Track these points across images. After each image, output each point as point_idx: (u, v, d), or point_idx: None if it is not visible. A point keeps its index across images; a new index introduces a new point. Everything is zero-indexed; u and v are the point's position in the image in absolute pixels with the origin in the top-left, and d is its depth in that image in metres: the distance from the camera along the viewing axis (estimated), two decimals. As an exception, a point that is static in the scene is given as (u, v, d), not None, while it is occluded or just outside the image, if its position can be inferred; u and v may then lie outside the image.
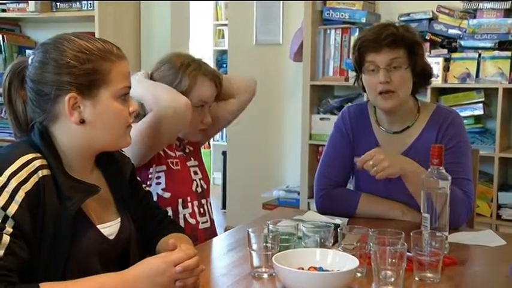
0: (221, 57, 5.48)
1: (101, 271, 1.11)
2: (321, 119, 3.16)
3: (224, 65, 5.12)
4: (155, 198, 1.58)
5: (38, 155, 1.09)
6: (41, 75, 1.11)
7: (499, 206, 2.75)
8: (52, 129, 1.14)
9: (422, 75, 1.71)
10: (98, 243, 1.15)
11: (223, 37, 5.51)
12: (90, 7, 3.00)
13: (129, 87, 1.19)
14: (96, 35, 2.98)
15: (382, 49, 1.63)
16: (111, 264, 1.16)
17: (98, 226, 1.16)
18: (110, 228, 1.19)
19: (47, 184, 1.07)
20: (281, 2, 3.57)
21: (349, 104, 2.61)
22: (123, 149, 1.31)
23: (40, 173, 1.07)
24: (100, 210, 1.19)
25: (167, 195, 1.64)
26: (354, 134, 1.80)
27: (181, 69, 1.65)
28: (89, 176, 1.19)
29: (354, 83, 1.81)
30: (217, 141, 5.57)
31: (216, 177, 5.47)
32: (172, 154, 1.69)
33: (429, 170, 1.39)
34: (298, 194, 3.28)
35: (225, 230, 2.66)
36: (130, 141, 1.22)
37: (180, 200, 1.66)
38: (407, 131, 1.74)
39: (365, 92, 1.77)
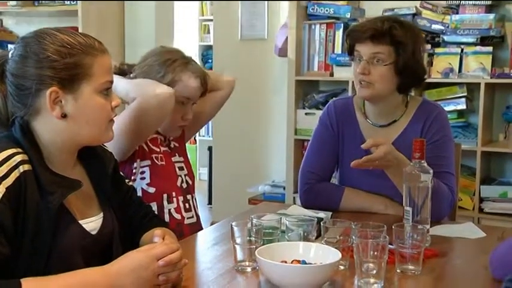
0: (207, 52, 5.47)
1: (83, 266, 1.10)
2: (306, 114, 3.17)
3: (210, 61, 5.11)
4: (140, 193, 1.58)
5: (19, 150, 1.09)
6: (22, 69, 1.10)
7: (481, 200, 2.78)
8: (33, 124, 1.14)
9: (407, 74, 1.68)
10: (81, 238, 1.15)
11: (208, 32, 5.49)
12: (73, 1, 2.97)
13: (111, 82, 1.18)
14: (80, 30, 2.96)
15: (365, 41, 1.66)
16: (93, 259, 1.15)
17: (81, 221, 1.16)
18: (92, 223, 1.19)
19: (28, 179, 1.06)
20: (266, -3, 3.57)
21: (335, 98, 2.63)
22: (105, 144, 1.31)
23: (21, 168, 1.06)
24: (82, 205, 1.19)
25: (152, 190, 1.64)
26: (339, 128, 1.81)
27: (166, 63, 1.65)
28: (71, 171, 1.19)
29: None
30: (203, 136, 5.56)
31: (202, 172, 5.46)
32: (157, 149, 1.69)
33: (411, 163, 1.41)
34: (284, 188, 3.30)
35: (211, 225, 2.67)
36: (113, 136, 1.21)
37: (165, 195, 1.66)
38: (394, 124, 1.76)
39: None
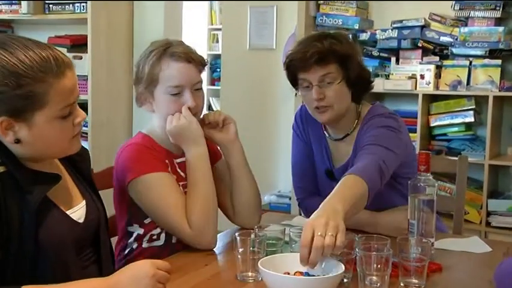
0: (215, 61, 5.48)
1: (76, 259, 1.11)
2: (313, 124, 3.16)
3: (218, 70, 5.12)
4: None
5: None
6: None
7: (489, 213, 2.77)
8: None
9: (359, 84, 1.63)
10: (70, 229, 1.14)
11: (217, 41, 5.51)
12: (83, 10, 3.00)
13: (74, 102, 1.09)
14: (89, 38, 2.98)
15: (311, 67, 1.56)
16: (85, 249, 1.17)
17: (67, 212, 1.15)
18: (78, 211, 1.18)
19: (5, 181, 1.04)
20: (275, 7, 3.59)
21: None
22: None
23: None
24: (66, 196, 1.18)
25: None
26: (308, 136, 1.76)
27: (143, 58, 1.51)
28: (49, 165, 1.16)
29: (296, 95, 1.77)
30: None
31: (208, 181, 5.46)
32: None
33: (416, 176, 1.40)
34: (290, 199, 3.29)
35: (216, 234, 2.66)
36: (79, 147, 1.18)
37: None
38: (348, 138, 1.68)
39: None
